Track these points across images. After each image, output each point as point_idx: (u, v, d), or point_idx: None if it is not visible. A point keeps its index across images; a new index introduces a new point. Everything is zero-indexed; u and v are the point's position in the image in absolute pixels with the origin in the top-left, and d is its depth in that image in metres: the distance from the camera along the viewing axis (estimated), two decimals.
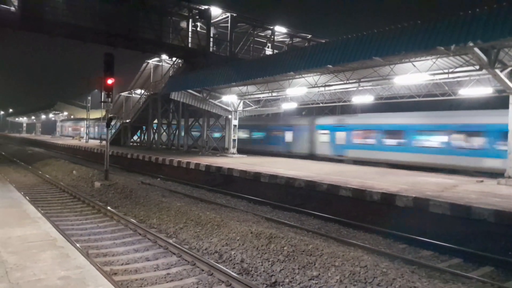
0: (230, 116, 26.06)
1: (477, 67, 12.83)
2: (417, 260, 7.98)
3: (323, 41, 25.75)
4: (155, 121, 33.68)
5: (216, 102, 25.64)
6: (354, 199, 11.76)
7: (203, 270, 6.90)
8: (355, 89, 18.91)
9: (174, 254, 7.78)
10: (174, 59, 32.34)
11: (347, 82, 17.86)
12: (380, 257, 7.74)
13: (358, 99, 20.41)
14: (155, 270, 6.97)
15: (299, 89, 19.57)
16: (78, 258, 5.16)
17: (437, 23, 12.09)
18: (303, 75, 18.49)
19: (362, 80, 17.32)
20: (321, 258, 6.99)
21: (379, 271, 6.44)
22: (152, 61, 36.21)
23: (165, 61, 34.97)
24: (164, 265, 7.24)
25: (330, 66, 15.48)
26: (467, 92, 15.71)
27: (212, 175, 18.17)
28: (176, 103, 31.04)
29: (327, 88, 19.46)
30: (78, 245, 7.65)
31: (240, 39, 31.21)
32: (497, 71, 12.35)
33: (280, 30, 31.65)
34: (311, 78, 18.68)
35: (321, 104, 23.67)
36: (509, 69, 12.70)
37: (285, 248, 7.54)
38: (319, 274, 6.43)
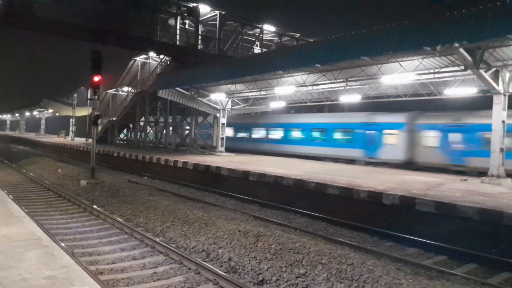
0: (218, 114, 25.98)
1: (462, 67, 13.04)
2: (403, 257, 8.08)
3: (312, 40, 25.89)
4: (143, 119, 33.40)
5: (204, 100, 25.53)
6: (342, 197, 11.85)
7: (190, 269, 6.87)
8: (342, 88, 19.02)
9: (161, 253, 7.73)
10: (162, 56, 32.09)
11: (335, 81, 17.98)
12: (367, 255, 7.82)
13: (346, 98, 20.54)
14: (141, 269, 6.92)
15: (287, 88, 19.61)
16: (63, 257, 5.08)
17: (424, 24, 12.24)
18: (291, 74, 18.54)
19: (349, 79, 17.44)
20: (308, 256, 7.02)
21: (366, 269, 6.50)
22: (140, 59, 35.86)
23: (153, 59, 34.67)
24: (151, 264, 7.18)
25: (319, 65, 15.56)
26: (452, 92, 15.94)
27: (200, 173, 18.10)
28: (163, 101, 30.81)
29: (315, 87, 19.54)
30: (63, 244, 7.54)
31: (229, 37, 31.15)
32: (482, 71, 12.56)
33: (269, 28, 31.68)
34: (300, 77, 18.75)
35: (309, 103, 23.77)
36: (493, 69, 12.93)
37: (272, 246, 7.56)
38: (306, 272, 6.46)
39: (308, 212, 11.94)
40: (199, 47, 28.53)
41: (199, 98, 25.39)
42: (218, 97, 24.76)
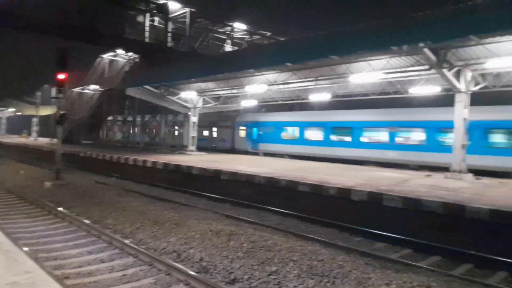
0: (189, 113, 25.69)
1: (427, 66, 13.48)
2: (371, 252, 8.27)
3: (283, 39, 26.07)
4: (110, 118, 32.56)
5: (174, 98, 25.17)
6: (312, 194, 11.99)
7: (160, 270, 6.76)
8: (313, 87, 19.25)
9: (131, 254, 7.56)
10: (130, 54, 31.37)
11: (306, 80, 18.18)
12: (337, 251, 7.96)
13: (316, 97, 20.80)
14: (110, 272, 6.74)
15: (259, 86, 19.64)
16: (27, 262, 4.86)
17: (391, 24, 12.59)
18: (263, 73, 18.58)
19: (319, 78, 17.67)
20: (279, 253, 7.07)
21: (336, 264, 6.62)
22: (107, 56, 34.88)
23: (121, 56, 33.81)
24: (120, 266, 7.01)
25: (289, 64, 15.68)
26: (417, 90, 16.46)
27: (171, 173, 17.85)
28: (132, 100, 30.15)
29: (286, 86, 19.68)
30: (26, 248, 7.23)
31: (199, 34, 30.85)
32: (445, 70, 13.04)
33: (240, 26, 31.60)
34: (271, 75, 18.82)
35: (280, 102, 23.91)
36: (455, 69, 13.45)
37: (244, 244, 7.56)
38: (278, 269, 6.50)
39: (279, 209, 12.02)
40: (169, 44, 28.10)
41: (169, 97, 25.01)
42: (189, 95, 24.47)
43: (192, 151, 25.31)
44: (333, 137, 22.99)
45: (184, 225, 9.07)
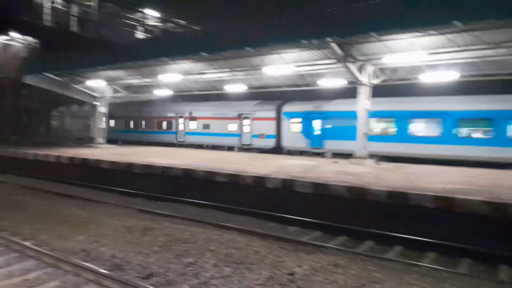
0: (97, 103, 24.07)
1: (334, 60, 14.38)
2: (285, 236, 8.66)
3: (198, 28, 25.67)
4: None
5: (80, 87, 23.37)
6: (230, 183, 12.12)
7: (68, 271, 6.28)
8: (229, 78, 19.33)
9: (32, 257, 6.89)
10: (28, 38, 28.22)
11: (222, 70, 18.18)
12: (253, 237, 8.17)
13: (231, 88, 20.94)
14: (8, 278, 6.06)
15: (173, 76, 19.13)
16: None
17: (301, 18, 13.15)
18: (177, 62, 18.13)
19: (235, 69, 17.80)
20: (196, 244, 7.04)
21: (252, 251, 6.80)
22: (0, 40, 30.93)
23: (17, 40, 30.24)
24: (19, 271, 6.34)
25: (204, 53, 15.52)
26: (325, 83, 17.48)
27: (77, 168, 16.60)
28: (30, 88, 27.25)
29: (201, 76, 19.47)
30: None
31: (108, 20, 28.96)
32: (350, 64, 14.04)
33: (153, 13, 30.36)
34: (186, 64, 18.45)
35: (196, 92, 23.58)
36: (359, 63, 14.55)
37: (160, 238, 7.38)
38: (195, 260, 6.47)
39: (197, 201, 11.94)
40: (73, 29, 25.90)
41: (73, 85, 23.14)
42: (96, 83, 22.89)
43: (100, 143, 23.82)
44: (463, 132, 16.73)
45: (93, 222, 8.54)
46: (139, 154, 18.05)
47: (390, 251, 7.95)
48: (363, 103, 14.94)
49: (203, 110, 25.44)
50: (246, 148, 22.87)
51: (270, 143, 21.98)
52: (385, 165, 14.98)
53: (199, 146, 24.93)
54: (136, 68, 20.26)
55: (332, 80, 17.17)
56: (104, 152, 19.00)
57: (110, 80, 22.84)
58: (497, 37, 11.73)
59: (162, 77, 19.56)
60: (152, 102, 27.84)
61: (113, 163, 15.39)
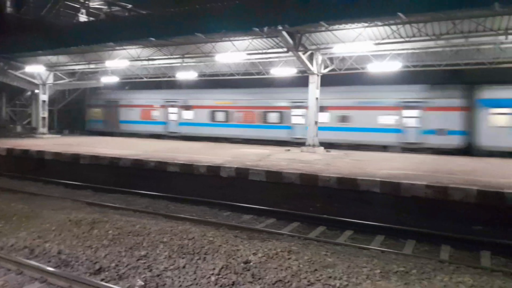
0: (37, 90, 22.53)
1: (285, 49, 14.48)
2: (239, 225, 8.70)
3: (145, 12, 24.70)
4: None
5: (17, 73, 21.72)
6: (183, 174, 11.92)
7: (9, 270, 5.89)
8: (179, 64, 18.86)
9: None
10: None
11: (172, 57, 17.68)
12: (207, 227, 8.11)
13: (182, 75, 20.48)
14: None
15: (120, 62, 18.32)
16: None
17: (253, 6, 13.05)
18: (124, 47, 17.38)
19: (186, 56, 17.40)
20: (149, 236, 6.87)
21: (206, 241, 6.75)
22: None
23: None
24: None
25: (153, 39, 15.00)
26: (277, 71, 17.59)
27: (18, 160, 15.52)
28: None
29: (150, 62, 18.83)
30: None
31: (47, 1, 26.99)
32: (300, 53, 14.22)
33: None
34: (134, 50, 17.75)
35: (145, 79, 22.80)
36: (309, 52, 14.78)
37: (110, 232, 7.11)
38: (147, 253, 6.31)
39: (148, 192, 11.63)
40: (9, 10, 23.89)
41: (10, 71, 21.46)
42: (36, 69, 21.38)
43: (43, 133, 22.41)
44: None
45: (37, 217, 8.04)
46: (86, 145, 17.20)
47: (341, 235, 8.26)
48: (314, 92, 15.24)
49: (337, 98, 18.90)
50: (412, 149, 17.18)
51: (454, 141, 16.68)
52: (335, 152, 15.46)
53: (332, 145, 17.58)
54: (80, 53, 19.19)
55: (284, 69, 17.32)
56: (48, 143, 17.91)
57: (51, 66, 21.43)
58: (437, 29, 12.42)
59: (109, 63, 18.67)
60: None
61: (57, 154, 14.55)
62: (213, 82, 21.51)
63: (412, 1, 11.05)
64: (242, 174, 10.96)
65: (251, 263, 5.91)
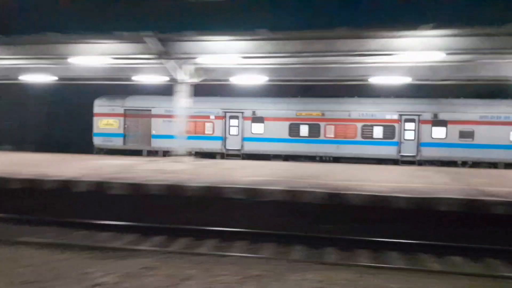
0: None
1: (153, 56, 13.97)
2: (93, 244, 7.90)
3: None
4: None
5: None
6: (28, 189, 10.37)
7: None
8: (29, 66, 16.57)
9: None
10: None
11: (18, 57, 15.44)
12: (54, 250, 7.12)
13: (32, 78, 17.95)
14: None
15: None
16: None
17: (117, 9, 12.28)
18: None
19: (36, 57, 15.35)
20: None
21: (50, 266, 5.92)
22: None
23: None
24: None
25: None
26: (145, 78, 16.78)
27: None
28: None
29: None
30: None
31: None
32: (164, 61, 13.91)
33: None
34: None
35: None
36: (177, 61, 14.52)
37: None
38: None
39: None
40: None
41: None
42: None
43: None
44: None
45: None
46: None
47: (203, 245, 8.17)
48: (181, 101, 15.04)
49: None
50: None
51: None
52: (204, 161, 15.48)
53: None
54: None
55: (153, 76, 16.57)
56: None
57: None
58: (295, 47, 13.52)
59: None
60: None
61: None
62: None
63: (276, 20, 11.81)
64: (100, 188, 10.03)
65: (103, 286, 5.36)
